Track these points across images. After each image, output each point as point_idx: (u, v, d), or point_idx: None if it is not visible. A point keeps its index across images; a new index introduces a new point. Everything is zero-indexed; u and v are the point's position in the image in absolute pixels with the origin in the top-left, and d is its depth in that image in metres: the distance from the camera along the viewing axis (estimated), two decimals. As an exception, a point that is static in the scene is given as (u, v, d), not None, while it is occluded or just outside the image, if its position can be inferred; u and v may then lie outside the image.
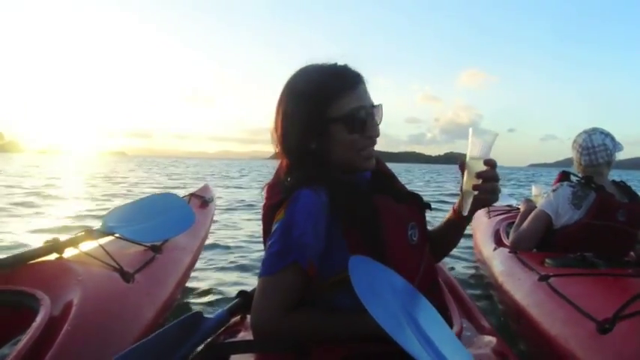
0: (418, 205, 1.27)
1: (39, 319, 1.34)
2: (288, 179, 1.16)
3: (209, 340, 1.28)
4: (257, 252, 4.44)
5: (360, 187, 1.21)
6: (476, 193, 1.14)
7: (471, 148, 1.13)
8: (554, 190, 2.40)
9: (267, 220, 1.16)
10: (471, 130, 1.13)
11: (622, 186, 2.44)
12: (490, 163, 1.13)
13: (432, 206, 1.33)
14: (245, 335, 1.29)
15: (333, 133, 1.14)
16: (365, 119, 1.14)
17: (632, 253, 2.38)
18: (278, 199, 1.13)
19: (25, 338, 1.24)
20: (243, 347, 1.15)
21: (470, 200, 1.16)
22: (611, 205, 2.27)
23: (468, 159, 1.15)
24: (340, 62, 1.19)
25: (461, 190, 1.18)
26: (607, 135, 2.35)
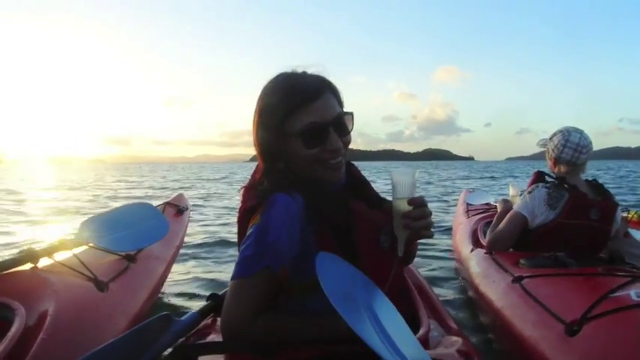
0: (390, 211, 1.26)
1: (14, 329, 1.34)
2: (265, 183, 1.16)
3: (179, 341, 1.29)
4: (232, 259, 4.47)
5: (335, 192, 1.22)
6: (407, 232, 1.15)
7: (395, 190, 1.14)
8: (529, 192, 2.43)
9: (243, 223, 1.17)
10: (392, 172, 1.15)
11: (595, 184, 2.48)
12: (415, 202, 1.13)
13: None
14: (215, 337, 1.30)
15: (291, 148, 1.15)
16: (324, 133, 1.13)
17: (605, 250, 2.40)
18: (254, 203, 1.14)
19: None
20: (212, 348, 1.17)
21: (403, 241, 1.16)
22: (584, 204, 2.31)
23: (393, 200, 1.15)
24: (312, 68, 1.20)
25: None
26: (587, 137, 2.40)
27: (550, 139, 2.48)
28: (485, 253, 2.56)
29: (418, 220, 1.13)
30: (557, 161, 2.43)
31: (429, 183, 19.68)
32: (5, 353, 1.24)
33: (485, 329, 2.31)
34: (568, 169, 2.41)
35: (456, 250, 3.59)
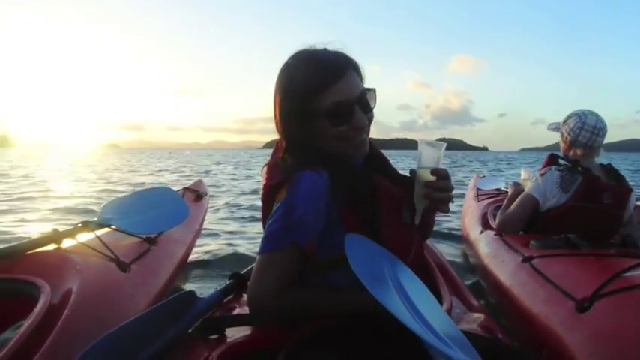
0: (409, 187, 1.28)
1: (40, 305, 1.38)
2: (288, 160, 1.17)
3: (204, 317, 1.31)
4: (250, 244, 4.52)
5: (358, 168, 1.24)
6: (427, 202, 1.17)
7: (421, 159, 1.16)
8: (542, 175, 2.41)
9: (268, 200, 1.19)
10: (419, 140, 1.17)
11: (609, 169, 2.46)
12: (438, 173, 1.15)
13: None
14: (239, 312, 1.33)
15: (317, 126, 1.16)
16: (350, 111, 1.14)
17: (617, 236, 2.38)
18: (279, 180, 1.16)
19: (27, 323, 1.28)
20: (238, 320, 1.19)
21: (421, 209, 1.18)
22: (597, 187, 2.29)
23: (417, 169, 1.17)
24: (332, 45, 1.20)
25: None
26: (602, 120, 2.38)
27: (565, 122, 2.45)
28: (495, 234, 2.55)
29: (439, 191, 1.15)
30: (572, 144, 2.40)
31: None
32: (32, 328, 1.27)
33: (494, 308, 2.31)
34: (584, 152, 2.39)
35: (464, 233, 3.59)
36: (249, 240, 4.74)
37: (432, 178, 1.15)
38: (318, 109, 1.14)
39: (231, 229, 5.51)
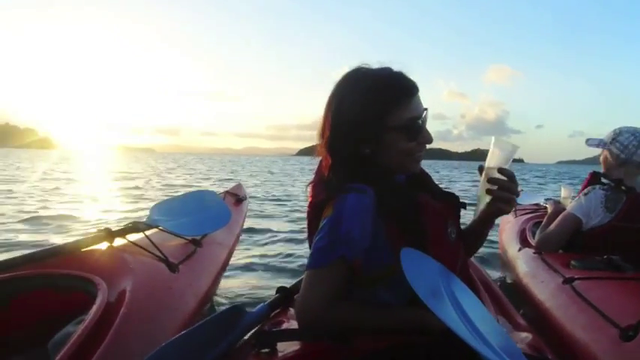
0: (454, 203, 1.30)
1: (98, 302, 1.44)
2: (334, 178, 1.19)
3: (252, 330, 1.34)
4: (285, 246, 4.57)
5: (402, 185, 1.26)
6: (489, 199, 1.19)
7: (490, 156, 1.18)
8: (585, 194, 2.36)
9: (314, 217, 1.21)
10: (493, 138, 1.18)
11: None
12: (506, 173, 1.17)
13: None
14: (287, 326, 1.34)
15: (389, 141, 1.17)
16: (420, 128, 1.18)
17: None
18: (324, 197, 1.18)
19: (87, 319, 1.34)
20: (290, 335, 1.20)
21: (482, 205, 1.21)
22: None
23: (485, 166, 1.20)
24: (395, 65, 1.22)
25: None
26: None
27: (615, 139, 2.36)
28: (534, 252, 2.50)
29: (504, 190, 1.17)
30: (625, 163, 2.32)
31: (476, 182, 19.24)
32: (92, 324, 1.32)
33: (536, 332, 2.27)
34: (635, 170, 2.32)
35: (502, 249, 3.49)
36: (285, 244, 4.80)
37: (499, 176, 1.17)
38: (395, 122, 1.16)
39: (269, 231, 5.59)
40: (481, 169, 1.22)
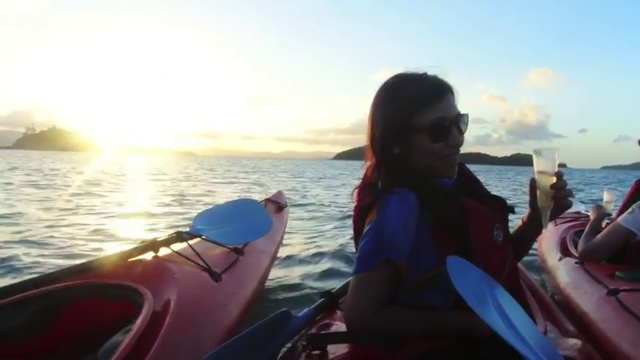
0: (501, 207, 1.31)
1: (144, 311, 1.47)
2: (379, 183, 1.21)
3: (302, 332, 1.37)
4: (330, 252, 4.59)
5: (447, 189, 1.26)
6: (552, 206, 1.20)
7: (537, 164, 1.20)
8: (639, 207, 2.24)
9: (359, 221, 1.23)
10: (533, 150, 1.22)
11: None
12: (559, 174, 1.19)
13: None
14: (336, 329, 1.36)
15: (416, 141, 1.19)
16: (448, 129, 1.18)
17: None
18: (369, 201, 1.19)
19: (134, 328, 1.37)
20: (341, 338, 1.21)
21: (548, 214, 1.22)
22: None
23: (536, 175, 1.21)
24: (430, 72, 1.24)
25: (530, 205, 1.27)
26: None
27: None
28: (576, 262, 2.44)
29: (564, 189, 1.19)
30: None
31: (516, 189, 18.74)
32: (139, 334, 1.35)
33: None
34: None
35: (541, 258, 3.42)
36: (328, 251, 4.79)
37: (554, 180, 1.19)
38: (422, 123, 1.17)
39: (310, 240, 5.60)
40: (532, 183, 1.24)
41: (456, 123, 1.19)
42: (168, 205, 9.24)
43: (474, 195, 1.28)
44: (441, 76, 1.24)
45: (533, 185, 1.23)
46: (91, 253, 4.39)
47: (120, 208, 8.28)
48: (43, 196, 9.97)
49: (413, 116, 1.18)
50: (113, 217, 7.14)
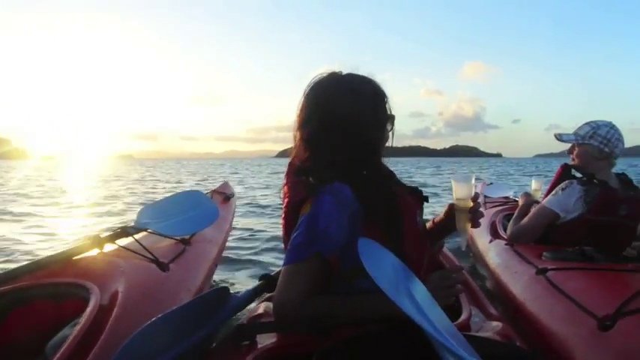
0: (419, 197, 1.39)
1: (91, 305, 1.47)
2: (313, 177, 1.23)
3: (239, 321, 1.42)
4: (274, 242, 4.65)
5: (379, 179, 1.31)
6: (469, 228, 1.30)
7: (456, 192, 1.28)
8: (563, 189, 2.33)
9: (290, 216, 1.25)
10: (454, 177, 1.30)
11: (625, 179, 2.39)
12: (475, 198, 1.29)
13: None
14: (267, 319, 1.39)
15: (384, 134, 1.32)
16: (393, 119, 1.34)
17: (630, 249, 2.29)
18: (302, 196, 1.22)
19: (81, 322, 1.37)
20: (269, 327, 1.25)
21: (466, 237, 1.33)
22: (614, 200, 2.25)
23: (455, 201, 1.30)
24: (360, 72, 1.34)
25: (446, 214, 1.35)
26: None
27: (594, 134, 2.31)
28: (506, 244, 2.51)
29: (478, 211, 1.28)
30: (609, 156, 2.30)
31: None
32: (86, 326, 1.36)
33: (507, 321, 2.30)
34: (612, 164, 2.33)
35: (471, 241, 3.44)
36: (274, 238, 4.87)
37: (471, 205, 1.27)
38: (388, 113, 1.33)
39: (257, 228, 5.66)
40: (451, 207, 1.32)
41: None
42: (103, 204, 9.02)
43: (398, 185, 1.37)
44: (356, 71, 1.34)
45: (452, 210, 1.32)
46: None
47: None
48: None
49: (385, 107, 1.31)
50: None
